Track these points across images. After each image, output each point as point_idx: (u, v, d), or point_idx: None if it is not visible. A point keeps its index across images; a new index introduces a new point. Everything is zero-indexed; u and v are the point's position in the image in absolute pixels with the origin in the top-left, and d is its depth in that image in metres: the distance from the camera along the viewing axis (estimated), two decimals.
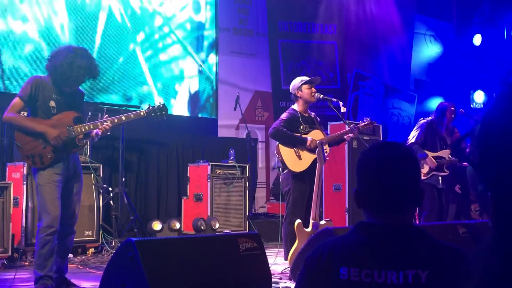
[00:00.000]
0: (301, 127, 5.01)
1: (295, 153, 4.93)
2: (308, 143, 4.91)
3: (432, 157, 5.87)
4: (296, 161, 4.90)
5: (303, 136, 4.95)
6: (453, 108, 6.04)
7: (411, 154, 1.50)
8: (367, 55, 10.30)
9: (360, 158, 1.53)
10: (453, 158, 5.97)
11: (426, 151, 5.84)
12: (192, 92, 8.56)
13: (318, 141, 4.66)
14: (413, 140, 5.86)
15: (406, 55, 10.74)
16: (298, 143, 4.92)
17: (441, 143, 5.99)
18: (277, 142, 4.97)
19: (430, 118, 6.02)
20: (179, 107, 8.34)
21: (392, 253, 1.42)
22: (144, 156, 7.48)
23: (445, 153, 5.96)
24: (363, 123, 5.19)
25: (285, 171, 4.93)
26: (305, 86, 5.04)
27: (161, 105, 4.47)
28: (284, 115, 5.02)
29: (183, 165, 7.57)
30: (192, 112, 8.52)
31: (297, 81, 5.09)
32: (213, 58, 8.84)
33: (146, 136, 7.47)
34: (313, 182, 4.60)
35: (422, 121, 6.00)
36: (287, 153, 4.92)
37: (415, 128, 5.98)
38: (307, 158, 4.93)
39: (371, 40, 10.31)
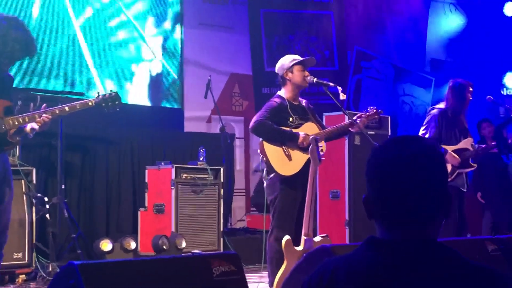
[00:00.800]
0: (291, 119, 5.03)
1: (284, 152, 4.95)
2: (301, 139, 4.92)
3: (453, 151, 5.90)
4: (285, 162, 4.93)
5: (294, 130, 4.97)
6: (471, 88, 6.07)
7: (436, 150, 1.51)
8: (372, 29, 10.34)
9: (372, 157, 1.53)
10: (478, 146, 6.02)
11: (444, 146, 5.88)
12: (154, 74, 8.53)
13: (311, 137, 4.66)
14: (425, 136, 5.89)
15: (420, 29, 10.81)
16: (287, 140, 4.93)
17: (461, 134, 6.02)
18: (261, 139, 4.98)
19: (442, 105, 6.05)
20: (136, 95, 8.31)
21: (412, 277, 1.42)
22: (90, 157, 7.45)
23: (467, 143, 6.01)
24: (368, 114, 5.23)
25: (271, 175, 4.95)
26: (296, 67, 5.06)
27: (113, 93, 4.44)
28: (268, 104, 5.03)
29: (140, 168, 7.56)
30: (153, 100, 8.50)
31: (286, 60, 5.11)
32: (178, 33, 8.80)
33: (92, 131, 7.44)
34: (306, 189, 4.60)
35: (433, 111, 6.03)
36: (274, 153, 4.93)
37: (426, 120, 6.02)
38: (299, 158, 4.94)
39: (377, 10, 10.35)
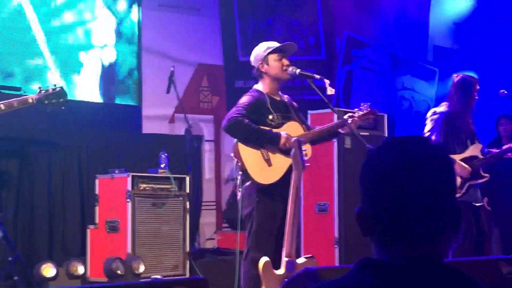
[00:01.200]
0: (271, 116, 5.05)
1: (263, 156, 4.96)
2: (283, 140, 4.93)
3: (461, 160, 5.93)
4: (264, 168, 4.94)
5: (274, 130, 4.97)
6: (478, 86, 6.12)
7: (443, 153, 1.52)
8: (365, 11, 10.38)
9: (367, 161, 1.54)
10: (488, 152, 6.05)
11: (450, 156, 5.90)
12: (106, 64, 8.50)
13: (294, 139, 4.66)
14: None
15: (421, 11, 10.87)
16: (267, 141, 4.95)
17: (467, 139, 6.06)
18: (235, 140, 4.99)
19: (444, 107, 6.08)
20: (85, 89, 8.28)
21: None
22: (28, 164, 7.40)
23: (475, 150, 6.04)
24: (361, 113, 5.23)
25: (247, 183, 4.95)
26: (273, 57, 5.09)
27: (57, 89, 4.42)
28: (244, 99, 5.06)
29: (89, 177, 7.53)
30: (105, 96, 8.47)
31: (261, 48, 5.14)
32: (135, 14, 8.77)
33: (32, 133, 7.41)
34: (288, 201, 4.60)
35: (435, 116, 6.06)
36: (251, 157, 4.94)
37: (429, 126, 6.05)
38: (280, 164, 4.95)
39: None
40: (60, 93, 4.45)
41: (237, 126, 4.90)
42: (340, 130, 5.21)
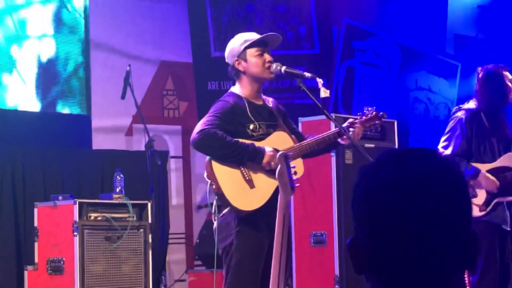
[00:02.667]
0: (252, 126, 5.05)
1: (243, 176, 4.96)
2: (267, 158, 4.92)
3: (489, 171, 5.96)
4: (246, 191, 4.93)
5: (256, 144, 4.97)
6: (509, 74, 6.13)
7: (454, 171, 1.52)
8: None
9: (360, 180, 1.53)
10: None
11: (474, 164, 5.94)
12: (44, 60, 8.45)
13: (279, 154, 4.66)
14: (447, 151, 5.95)
15: None
16: (247, 158, 4.94)
17: (500, 145, 6.09)
18: (208, 157, 4.98)
19: (472, 103, 6.11)
20: (19, 93, 8.24)
21: None
22: None
23: (509, 159, 6.05)
24: (365, 118, 5.25)
25: (224, 210, 4.94)
26: (251, 51, 5.08)
27: None
28: (217, 106, 5.04)
29: (26, 205, 7.54)
30: (44, 101, 8.44)
31: (237, 41, 5.15)
32: (79, 0, 8.77)
33: None
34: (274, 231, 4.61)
35: (458, 112, 6.09)
36: (229, 177, 4.94)
37: (449, 126, 6.07)
38: (265, 185, 4.93)
39: None
40: None
41: (209, 141, 4.87)
42: (339, 140, 5.20)
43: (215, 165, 4.93)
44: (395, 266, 1.48)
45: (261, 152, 4.93)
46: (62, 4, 8.68)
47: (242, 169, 4.95)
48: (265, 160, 4.91)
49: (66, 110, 8.62)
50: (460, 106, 6.23)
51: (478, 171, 5.93)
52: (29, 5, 8.39)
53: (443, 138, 6.07)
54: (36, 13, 8.46)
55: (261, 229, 4.90)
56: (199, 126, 4.93)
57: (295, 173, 4.68)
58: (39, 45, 8.47)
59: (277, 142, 5.05)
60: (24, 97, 8.31)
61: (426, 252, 1.47)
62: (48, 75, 8.52)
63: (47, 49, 8.52)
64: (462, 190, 1.51)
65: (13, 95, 8.22)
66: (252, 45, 5.08)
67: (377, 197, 1.50)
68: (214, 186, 4.94)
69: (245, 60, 5.07)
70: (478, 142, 6.02)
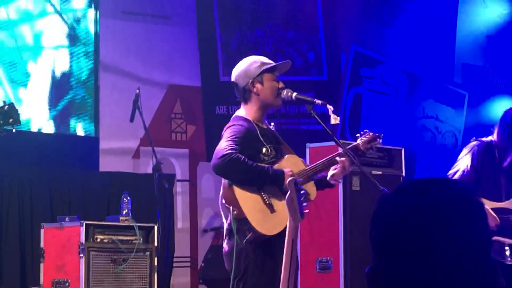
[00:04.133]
0: (264, 149, 5.04)
1: (263, 200, 4.94)
2: (288, 180, 4.84)
3: (492, 209, 5.95)
4: (267, 215, 4.93)
5: (275, 167, 4.97)
6: None
7: (473, 198, 1.52)
8: (376, 21, 10.44)
9: (380, 209, 1.54)
10: None
11: (481, 200, 5.92)
12: (58, 74, 8.49)
13: (289, 179, 4.64)
14: (454, 178, 5.93)
15: (447, 21, 10.93)
16: (269, 181, 4.93)
17: (509, 183, 6.08)
18: (227, 182, 4.96)
19: (490, 137, 6.11)
20: (33, 107, 8.21)
21: None
22: None
23: None
24: (364, 139, 5.24)
25: (248, 235, 4.89)
26: (269, 76, 5.08)
27: (6, 106, 4.40)
28: (233, 131, 5.01)
29: (32, 226, 7.51)
30: (57, 120, 8.44)
31: (253, 63, 5.13)
32: (92, 21, 8.80)
33: None
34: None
35: (474, 142, 6.09)
36: (250, 202, 4.92)
37: (462, 155, 6.07)
38: (283, 209, 4.77)
39: None
40: (9, 112, 4.43)
41: (233, 165, 4.83)
42: (330, 180, 5.15)
43: (237, 190, 4.90)
44: None
45: (281, 174, 4.91)
46: (76, 18, 8.70)
47: (262, 193, 4.93)
48: (287, 182, 4.87)
49: (79, 126, 8.60)
50: (477, 138, 6.22)
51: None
52: (45, 14, 8.41)
53: (456, 166, 6.06)
54: (52, 22, 8.49)
55: (276, 255, 4.84)
56: (220, 151, 4.88)
57: (306, 198, 4.67)
58: (55, 55, 8.48)
59: (291, 164, 5.04)
60: (37, 111, 8.32)
61: (446, 280, 1.47)
62: (59, 91, 8.52)
63: (61, 63, 8.53)
64: (481, 219, 1.52)
65: (27, 109, 8.21)
66: (270, 69, 5.08)
67: (397, 227, 1.50)
68: (235, 212, 4.90)
69: (261, 83, 5.05)
70: (487, 175, 6.01)
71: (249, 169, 4.85)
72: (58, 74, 8.49)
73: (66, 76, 8.58)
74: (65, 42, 8.59)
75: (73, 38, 8.67)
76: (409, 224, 1.49)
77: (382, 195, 1.57)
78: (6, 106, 4.39)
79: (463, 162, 6.01)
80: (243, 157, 4.83)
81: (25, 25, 8.31)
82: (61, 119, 8.55)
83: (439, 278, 1.47)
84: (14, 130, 4.36)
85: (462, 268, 1.48)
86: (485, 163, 6.00)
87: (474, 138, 6.27)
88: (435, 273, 1.47)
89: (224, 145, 4.90)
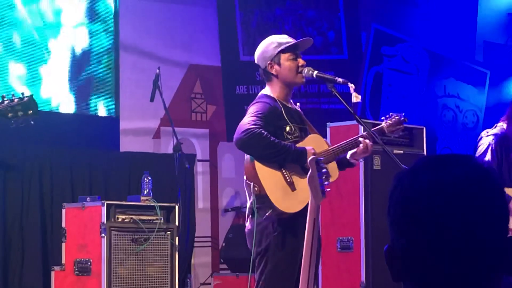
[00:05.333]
0: (287, 128, 5.03)
1: (285, 178, 4.93)
2: (310, 158, 4.83)
3: None
4: (287, 193, 4.91)
5: (297, 145, 4.96)
6: None
7: (490, 173, 1.51)
8: (397, 0, 10.40)
9: (396, 186, 1.53)
10: None
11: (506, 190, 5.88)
12: (78, 52, 8.52)
13: (311, 158, 4.64)
14: None
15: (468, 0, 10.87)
16: (291, 158, 4.91)
17: None
18: (249, 157, 4.95)
19: (499, 127, 6.08)
20: (53, 86, 8.27)
21: None
22: None
23: None
24: (389, 122, 5.23)
25: (267, 213, 4.89)
26: (286, 56, 5.06)
27: (25, 98, 4.41)
28: (257, 107, 5.01)
29: (53, 206, 7.55)
30: (77, 98, 8.48)
31: (270, 44, 5.12)
32: (111, 1, 8.84)
33: None
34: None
35: (488, 138, 6.04)
36: (271, 179, 4.91)
37: (478, 152, 6.03)
38: (305, 187, 4.73)
39: None
40: (28, 104, 4.44)
41: (255, 140, 4.81)
42: (350, 159, 5.15)
43: (258, 166, 4.88)
44: (433, 273, 1.48)
45: (304, 152, 4.90)
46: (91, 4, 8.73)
47: (284, 171, 4.91)
48: (308, 160, 4.86)
49: (100, 105, 8.64)
50: (488, 130, 6.18)
51: (509, 198, 5.86)
52: None
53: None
54: (71, 2, 8.51)
55: (298, 233, 4.81)
56: (243, 126, 4.86)
57: (328, 177, 4.67)
58: (74, 34, 8.50)
59: (314, 144, 5.03)
60: (57, 90, 8.36)
61: (464, 257, 1.47)
62: (79, 70, 8.54)
63: (80, 41, 8.55)
64: (499, 194, 1.51)
65: (46, 88, 8.24)
66: (287, 49, 5.05)
67: (414, 203, 1.49)
68: (256, 188, 4.88)
69: (279, 64, 5.04)
70: (508, 167, 5.98)
71: (271, 145, 4.82)
72: (78, 51, 8.50)
73: (86, 53, 8.58)
74: (84, 20, 8.58)
75: (93, 15, 8.66)
76: (426, 200, 1.48)
77: (399, 172, 1.55)
78: (26, 98, 4.41)
79: (485, 154, 5.97)
80: (266, 132, 4.81)
81: (45, 2, 8.31)
82: (81, 97, 8.56)
83: (456, 255, 1.46)
84: (32, 122, 4.36)
85: (479, 245, 1.47)
86: (504, 155, 5.97)
87: (486, 132, 6.18)
88: (452, 251, 1.46)
89: (247, 120, 4.89)
